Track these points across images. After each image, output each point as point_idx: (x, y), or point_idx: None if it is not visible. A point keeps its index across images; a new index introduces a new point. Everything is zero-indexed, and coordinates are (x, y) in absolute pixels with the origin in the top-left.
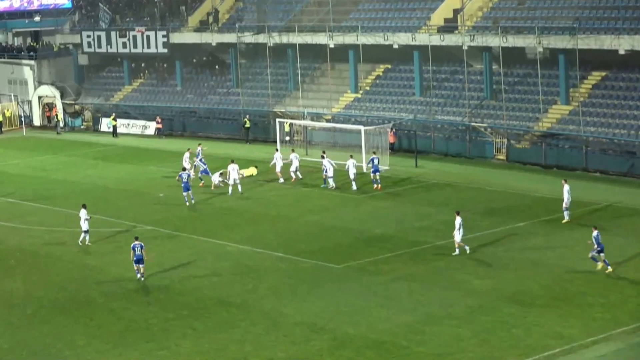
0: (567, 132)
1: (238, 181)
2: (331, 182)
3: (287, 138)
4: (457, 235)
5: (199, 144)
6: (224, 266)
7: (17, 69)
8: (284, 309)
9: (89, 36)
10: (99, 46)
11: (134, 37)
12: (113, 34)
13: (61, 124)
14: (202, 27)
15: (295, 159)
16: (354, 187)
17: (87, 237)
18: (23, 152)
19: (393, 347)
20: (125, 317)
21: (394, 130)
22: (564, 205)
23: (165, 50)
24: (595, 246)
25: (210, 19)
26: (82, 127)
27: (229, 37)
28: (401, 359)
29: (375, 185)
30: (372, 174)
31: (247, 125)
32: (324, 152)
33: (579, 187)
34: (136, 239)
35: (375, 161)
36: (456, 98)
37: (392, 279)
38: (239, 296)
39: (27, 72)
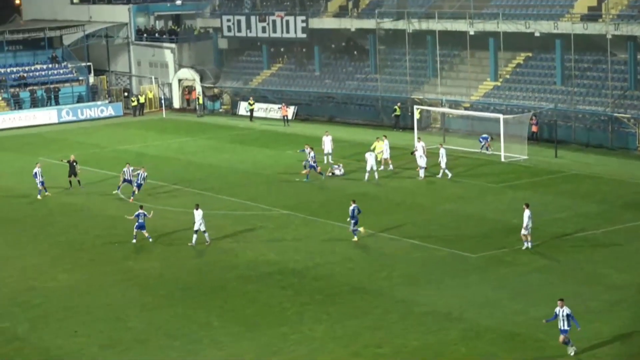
0: None
1: (375, 168)
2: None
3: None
4: (525, 229)
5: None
6: (358, 253)
7: (159, 51)
8: (417, 297)
9: (229, 20)
10: (239, 30)
11: (274, 21)
12: (253, 18)
13: (201, 107)
14: (342, 12)
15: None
16: (449, 173)
17: (196, 238)
18: (162, 134)
19: (529, 339)
20: (259, 300)
21: (535, 119)
22: None
23: (304, 36)
24: (350, 219)
25: (350, 5)
26: (220, 110)
27: (368, 23)
28: (536, 352)
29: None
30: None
31: (397, 112)
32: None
33: None
34: (141, 207)
35: (311, 153)
36: (599, 88)
37: (529, 270)
38: (373, 283)
39: (168, 55)
